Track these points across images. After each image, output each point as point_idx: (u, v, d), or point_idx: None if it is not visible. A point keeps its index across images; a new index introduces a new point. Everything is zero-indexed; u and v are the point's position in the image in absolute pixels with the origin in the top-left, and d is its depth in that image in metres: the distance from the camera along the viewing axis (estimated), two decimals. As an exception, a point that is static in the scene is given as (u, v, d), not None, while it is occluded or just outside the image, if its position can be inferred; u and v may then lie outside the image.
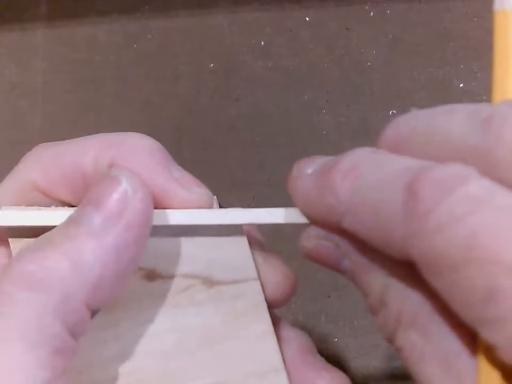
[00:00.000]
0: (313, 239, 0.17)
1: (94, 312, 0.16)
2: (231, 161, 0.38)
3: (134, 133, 0.19)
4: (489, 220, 0.12)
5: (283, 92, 0.40)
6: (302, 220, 0.18)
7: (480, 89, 0.40)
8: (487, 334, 0.12)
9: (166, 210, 0.17)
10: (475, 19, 0.43)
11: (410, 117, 0.16)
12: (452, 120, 0.14)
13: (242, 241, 0.18)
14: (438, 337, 0.14)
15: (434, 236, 0.12)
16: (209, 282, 0.17)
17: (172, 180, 0.18)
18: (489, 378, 0.13)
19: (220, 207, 0.36)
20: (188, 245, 0.18)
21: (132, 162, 0.18)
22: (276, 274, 0.19)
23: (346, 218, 0.15)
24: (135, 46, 0.42)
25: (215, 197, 0.36)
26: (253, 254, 0.19)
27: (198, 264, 0.17)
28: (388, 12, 0.43)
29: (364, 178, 0.15)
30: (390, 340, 0.15)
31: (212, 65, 0.42)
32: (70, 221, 0.16)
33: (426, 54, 0.42)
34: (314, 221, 0.17)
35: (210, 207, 0.18)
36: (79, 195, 0.18)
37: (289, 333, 0.20)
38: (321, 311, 0.34)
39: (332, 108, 0.40)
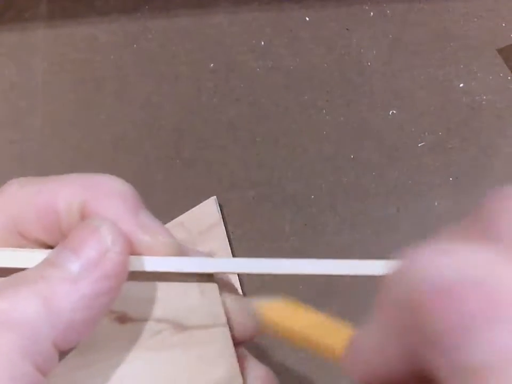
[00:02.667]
0: None
1: (63, 352, 0.16)
2: (231, 161, 0.38)
3: (107, 176, 0.19)
4: None
5: (283, 92, 0.40)
6: (264, 270, 0.18)
7: (480, 89, 0.40)
8: None
9: (142, 256, 0.18)
10: (475, 19, 0.43)
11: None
12: None
13: (213, 287, 0.19)
14: None
15: None
16: (180, 327, 0.18)
17: (139, 225, 0.18)
18: None
19: (220, 207, 0.36)
20: (159, 289, 0.18)
21: (103, 206, 0.18)
22: (245, 317, 0.20)
23: None
24: (135, 46, 0.42)
25: (214, 197, 0.36)
26: (222, 297, 0.19)
27: (169, 308, 0.18)
28: (388, 11, 0.43)
29: None
30: None
31: (211, 65, 0.42)
32: (47, 262, 0.16)
33: (426, 54, 0.42)
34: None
35: (177, 254, 0.18)
36: (54, 235, 0.19)
37: (255, 371, 0.20)
38: (321, 311, 0.34)
39: (331, 108, 0.40)
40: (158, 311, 0.18)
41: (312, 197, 0.37)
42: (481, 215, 0.13)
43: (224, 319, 0.18)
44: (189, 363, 0.18)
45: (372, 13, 0.43)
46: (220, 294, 0.19)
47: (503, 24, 0.43)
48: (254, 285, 0.34)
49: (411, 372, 0.13)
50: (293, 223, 0.35)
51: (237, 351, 0.19)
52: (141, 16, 0.43)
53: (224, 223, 0.35)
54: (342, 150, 0.38)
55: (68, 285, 0.16)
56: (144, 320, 0.18)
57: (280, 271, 0.18)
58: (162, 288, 0.18)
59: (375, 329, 0.13)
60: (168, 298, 0.18)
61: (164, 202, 0.37)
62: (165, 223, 0.35)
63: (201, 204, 0.35)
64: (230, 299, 0.19)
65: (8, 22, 0.43)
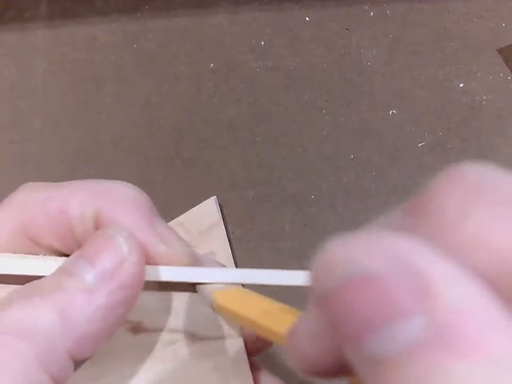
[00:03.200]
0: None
1: (77, 362, 0.16)
2: (231, 161, 0.38)
3: (122, 183, 0.19)
4: None
5: (283, 92, 0.40)
6: (288, 282, 0.18)
7: (480, 89, 0.40)
8: None
9: (158, 266, 0.17)
10: (475, 19, 0.43)
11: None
12: None
13: None
14: None
15: None
16: (193, 337, 0.18)
17: (155, 235, 0.18)
18: None
19: (220, 207, 0.36)
20: (173, 300, 0.18)
21: (118, 214, 0.18)
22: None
23: None
24: (135, 46, 0.42)
25: (214, 197, 0.36)
26: None
27: (182, 319, 0.18)
28: (388, 11, 0.43)
29: None
30: None
31: (211, 65, 0.42)
32: (62, 271, 0.16)
33: (426, 54, 0.42)
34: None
35: (192, 263, 0.18)
36: (66, 242, 0.18)
37: (269, 383, 0.20)
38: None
39: (332, 107, 0.40)
40: (172, 321, 0.18)
41: (312, 197, 0.37)
42: (424, 199, 0.12)
43: (238, 330, 0.18)
44: (202, 375, 0.18)
45: (371, 13, 0.43)
46: None
47: (503, 24, 0.43)
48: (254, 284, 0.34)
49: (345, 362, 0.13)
50: (293, 223, 0.35)
51: (249, 363, 0.18)
52: (141, 16, 0.43)
53: (224, 223, 0.35)
54: (342, 150, 0.38)
55: (84, 296, 0.15)
56: (158, 330, 0.18)
57: (292, 283, 0.18)
58: (177, 298, 0.18)
59: (310, 318, 0.13)
60: (181, 309, 0.18)
61: (164, 202, 0.37)
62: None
63: (201, 204, 0.35)
64: None
65: (8, 22, 0.43)
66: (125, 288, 0.16)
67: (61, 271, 0.16)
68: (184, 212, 0.35)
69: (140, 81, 0.41)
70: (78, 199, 0.18)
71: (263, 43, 0.42)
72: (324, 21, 0.43)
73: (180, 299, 0.18)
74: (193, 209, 0.35)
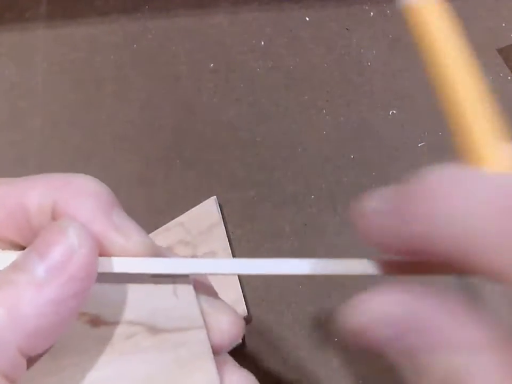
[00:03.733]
0: (365, 314, 0.15)
1: (31, 358, 0.16)
2: (231, 161, 0.38)
3: (81, 175, 0.19)
4: None
5: (283, 92, 0.40)
6: (248, 271, 0.17)
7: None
8: None
9: (112, 257, 0.17)
10: (475, 19, 0.43)
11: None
12: None
13: (188, 289, 0.18)
14: None
15: None
16: (153, 330, 0.17)
17: (111, 226, 0.17)
18: None
19: (220, 207, 0.36)
20: (132, 291, 0.18)
21: (74, 206, 0.17)
22: (223, 322, 0.19)
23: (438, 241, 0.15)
24: (135, 46, 0.42)
25: (214, 197, 0.36)
26: (199, 300, 0.19)
27: (142, 311, 0.17)
28: (388, 11, 0.44)
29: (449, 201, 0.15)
30: None
31: (211, 65, 0.42)
32: (13, 266, 0.16)
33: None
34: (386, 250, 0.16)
35: (151, 255, 0.18)
36: (26, 236, 0.18)
37: (235, 375, 0.19)
38: (321, 311, 0.34)
39: (332, 107, 0.40)
40: (131, 314, 0.17)
41: (312, 197, 0.37)
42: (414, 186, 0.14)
43: (200, 322, 0.18)
44: (164, 367, 0.17)
45: (371, 13, 0.43)
46: (197, 296, 0.18)
47: (503, 24, 0.43)
48: (254, 284, 0.34)
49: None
50: (293, 223, 0.35)
51: (217, 357, 0.18)
52: (141, 16, 0.43)
53: (224, 223, 0.35)
54: (342, 150, 0.38)
55: (33, 290, 0.15)
56: (117, 323, 0.17)
57: (255, 271, 0.17)
58: (136, 290, 0.18)
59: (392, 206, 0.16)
60: (141, 300, 0.18)
61: (164, 202, 0.37)
62: (165, 223, 0.35)
63: (201, 203, 0.35)
64: (207, 301, 0.19)
65: (8, 22, 0.43)
66: (75, 281, 0.16)
67: (12, 266, 0.16)
68: (184, 212, 0.35)
69: (140, 81, 0.41)
70: (37, 192, 0.18)
71: (263, 43, 0.42)
72: (324, 21, 0.43)
73: (139, 290, 0.18)
74: (193, 209, 0.35)
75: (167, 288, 0.18)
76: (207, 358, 0.18)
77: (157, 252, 0.18)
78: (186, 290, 0.18)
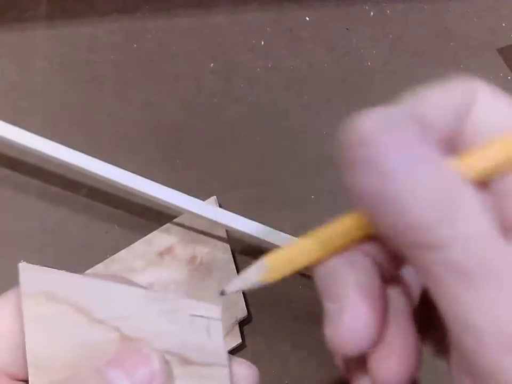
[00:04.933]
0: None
1: None
2: (231, 161, 0.38)
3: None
4: None
5: (283, 92, 0.40)
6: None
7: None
8: None
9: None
10: (475, 19, 0.43)
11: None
12: None
13: (218, 328, 0.20)
14: None
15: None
16: (184, 361, 0.19)
17: None
18: None
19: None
20: (169, 323, 0.19)
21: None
22: (243, 368, 0.20)
23: None
24: (135, 46, 0.42)
25: (214, 197, 0.36)
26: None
27: (175, 342, 0.19)
28: (388, 11, 0.44)
29: None
30: None
31: (211, 65, 0.42)
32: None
33: (426, 54, 0.42)
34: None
35: None
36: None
37: None
38: (321, 310, 0.34)
39: (332, 107, 0.40)
40: (167, 343, 0.19)
41: (312, 197, 0.37)
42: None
43: (225, 360, 0.19)
44: None
45: (372, 13, 0.43)
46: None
47: (503, 24, 0.43)
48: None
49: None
50: (293, 223, 0.35)
51: None
52: (141, 16, 0.43)
53: (224, 223, 0.35)
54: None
55: None
56: (156, 350, 0.19)
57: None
58: (171, 321, 0.19)
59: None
60: (175, 333, 0.19)
61: (163, 202, 0.37)
62: (165, 223, 0.35)
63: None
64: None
65: (8, 22, 0.43)
66: None
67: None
68: (184, 212, 0.35)
69: (140, 81, 0.41)
70: (7, 316, 0.18)
71: (263, 43, 0.42)
72: (324, 21, 0.43)
73: (174, 323, 0.19)
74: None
75: (201, 324, 0.20)
76: None
77: (214, 204, 0.21)
78: (217, 329, 0.20)
